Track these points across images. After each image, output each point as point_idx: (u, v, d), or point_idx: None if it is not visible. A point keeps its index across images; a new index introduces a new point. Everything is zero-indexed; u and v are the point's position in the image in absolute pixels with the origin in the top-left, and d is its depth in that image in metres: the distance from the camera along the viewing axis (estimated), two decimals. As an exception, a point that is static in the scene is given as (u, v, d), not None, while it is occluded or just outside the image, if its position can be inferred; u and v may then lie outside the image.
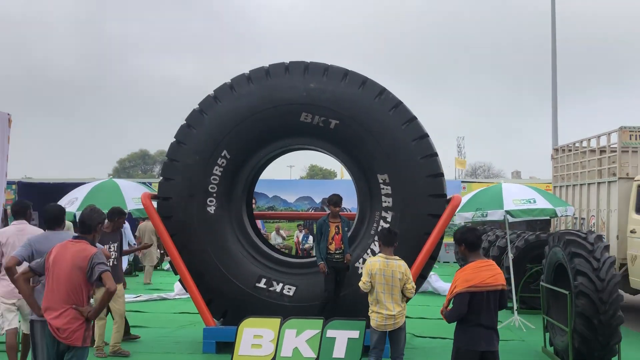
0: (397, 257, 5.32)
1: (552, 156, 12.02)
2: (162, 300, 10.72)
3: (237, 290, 6.85)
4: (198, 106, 7.07)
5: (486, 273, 4.15)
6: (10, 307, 5.65)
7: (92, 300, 4.62)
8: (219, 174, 6.96)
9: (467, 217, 8.24)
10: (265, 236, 20.83)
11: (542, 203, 8.00)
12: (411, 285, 5.28)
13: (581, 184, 10.33)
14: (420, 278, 6.86)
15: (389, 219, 6.81)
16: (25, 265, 4.53)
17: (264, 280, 6.89)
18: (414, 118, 6.90)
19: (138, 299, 10.63)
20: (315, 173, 56.20)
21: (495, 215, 8.03)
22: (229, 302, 6.90)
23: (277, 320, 5.91)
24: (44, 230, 5.04)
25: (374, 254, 6.78)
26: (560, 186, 11.41)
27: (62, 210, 5.04)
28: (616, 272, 6.23)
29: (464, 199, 8.58)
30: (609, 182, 9.14)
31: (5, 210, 8.01)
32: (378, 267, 5.21)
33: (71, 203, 8.48)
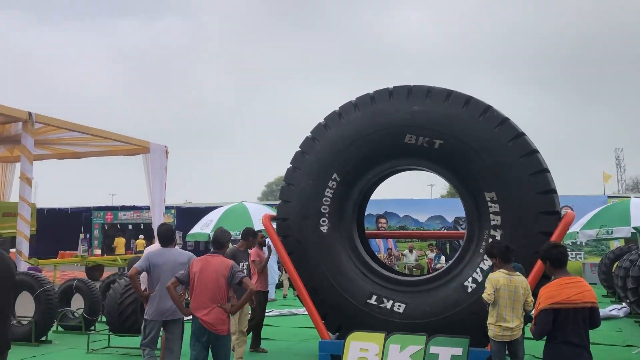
0: (518, 273, 5.52)
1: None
2: (292, 315, 11.37)
3: (349, 305, 7.18)
4: (310, 134, 7.62)
5: (572, 290, 4.08)
6: None
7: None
8: (330, 195, 7.41)
9: (590, 235, 7.87)
10: (397, 256, 21.04)
11: (676, 219, 7.39)
12: (531, 299, 5.49)
13: None
14: (535, 297, 6.68)
15: (497, 238, 6.75)
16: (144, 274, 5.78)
17: (374, 297, 7.15)
18: (522, 134, 6.81)
19: (270, 314, 11.37)
20: (456, 192, 54.96)
21: (621, 232, 7.59)
22: (342, 317, 7.25)
23: (382, 335, 6.14)
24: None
25: (483, 272, 6.77)
26: None
27: (172, 230, 6.04)
28: None
29: (588, 216, 8.18)
30: None
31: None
32: (502, 282, 5.39)
33: (207, 225, 9.46)
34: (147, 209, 28.79)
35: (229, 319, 5.32)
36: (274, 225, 7.75)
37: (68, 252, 29.77)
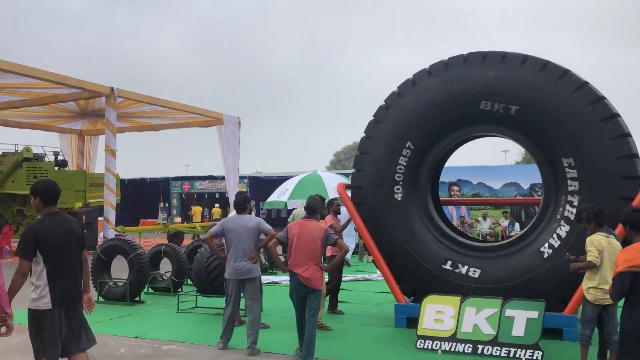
0: (613, 236, 5.51)
1: None
2: (366, 280, 11.67)
3: (424, 271, 7.36)
4: (384, 102, 7.74)
5: None
6: None
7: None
8: (404, 163, 7.53)
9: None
10: (470, 223, 20.86)
11: None
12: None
13: None
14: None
15: (575, 203, 6.70)
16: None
17: (449, 263, 7.29)
18: (601, 98, 6.66)
19: (345, 279, 11.73)
20: (531, 158, 53.34)
21: None
22: (417, 282, 7.44)
23: (458, 298, 6.31)
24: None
25: (559, 238, 6.75)
26: None
27: (246, 198, 6.66)
28: None
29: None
30: None
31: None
32: (604, 244, 5.36)
33: (283, 193, 9.83)
34: (222, 178, 29.86)
35: (323, 275, 5.96)
36: (349, 193, 7.98)
37: (149, 220, 31.51)
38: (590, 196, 6.59)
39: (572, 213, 6.71)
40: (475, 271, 7.14)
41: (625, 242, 4.86)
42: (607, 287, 5.12)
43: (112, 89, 19.30)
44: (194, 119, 25.94)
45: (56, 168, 21.56)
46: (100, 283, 9.21)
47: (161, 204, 34.91)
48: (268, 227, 6.54)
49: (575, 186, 6.72)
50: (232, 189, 24.41)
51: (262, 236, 6.60)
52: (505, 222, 18.79)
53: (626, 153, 6.50)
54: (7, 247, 17.77)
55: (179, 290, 9.85)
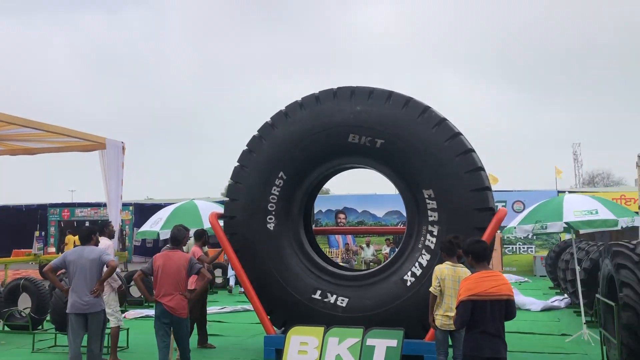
0: (462, 265, 5.84)
1: (637, 164, 11.46)
2: (245, 311, 11.50)
3: (295, 301, 7.37)
4: (257, 132, 7.77)
5: (489, 283, 4.34)
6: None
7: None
8: (277, 193, 7.57)
9: (527, 230, 8.22)
10: (355, 250, 21.35)
11: (605, 214, 7.80)
12: None
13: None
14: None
15: (435, 233, 7.04)
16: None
17: (319, 292, 7.36)
18: (458, 134, 7.11)
19: (223, 310, 11.50)
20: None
21: (554, 227, 7.95)
22: (287, 313, 7.43)
23: (321, 329, 6.36)
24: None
25: (421, 267, 7.05)
26: (646, 195, 10.86)
27: (92, 229, 6.66)
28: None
29: (526, 212, 8.55)
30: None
31: (122, 230, 9.53)
32: (447, 273, 5.77)
33: (156, 223, 9.49)
34: (105, 205, 28.48)
35: (188, 304, 6.20)
36: (222, 223, 7.87)
37: (23, 250, 29.21)
38: (448, 226, 6.96)
39: (432, 242, 7.05)
40: (343, 300, 7.26)
41: None
42: (452, 313, 5.42)
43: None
44: (73, 143, 24.51)
45: None
46: (5, 313, 8.37)
47: (37, 233, 32.56)
48: (109, 258, 6.39)
49: (435, 217, 7.07)
50: (114, 217, 23.27)
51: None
52: (387, 249, 19.41)
53: (479, 186, 6.96)
54: None
55: (39, 327, 9.14)
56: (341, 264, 20.98)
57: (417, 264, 7.11)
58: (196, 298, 6.85)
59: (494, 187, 23.95)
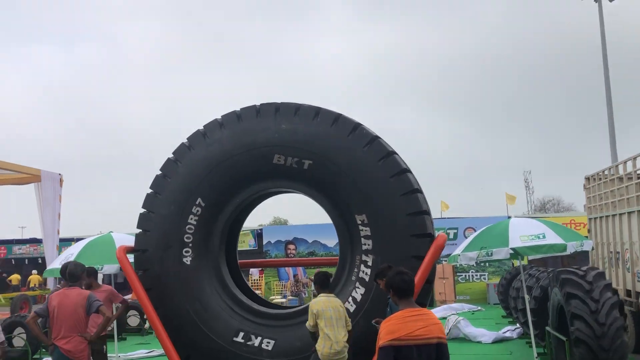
0: (334, 295, 5.82)
1: (584, 186, 11.10)
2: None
3: (214, 346, 6.49)
4: (172, 155, 6.95)
5: (415, 324, 3.61)
6: None
7: None
8: (194, 223, 6.74)
9: (471, 257, 7.59)
10: (306, 282, 20.44)
11: (553, 238, 7.23)
12: (349, 319, 5.76)
13: (613, 215, 9.40)
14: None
15: (369, 263, 6.32)
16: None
17: (242, 334, 6.51)
18: (391, 153, 6.47)
19: (150, 354, 10.46)
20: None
21: (500, 254, 7.34)
22: (206, 358, 6.55)
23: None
24: None
25: (355, 302, 6.30)
26: (594, 218, 10.47)
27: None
28: (618, 315, 5.41)
29: (470, 238, 7.95)
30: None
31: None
32: (321, 306, 5.54)
33: (67, 259, 8.48)
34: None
35: (88, 346, 5.80)
36: (131, 258, 6.96)
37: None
38: (383, 255, 6.26)
39: (367, 274, 6.32)
40: (269, 342, 6.43)
41: None
42: (339, 347, 5.44)
43: None
44: (8, 176, 23.13)
45: None
46: None
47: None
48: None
49: (369, 245, 6.36)
50: (50, 253, 21.84)
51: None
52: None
53: (416, 209, 6.30)
54: None
55: None
56: (290, 297, 20.13)
57: (350, 299, 6.34)
58: (95, 339, 5.97)
59: (444, 214, 23.46)
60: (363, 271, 6.35)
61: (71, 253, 8.61)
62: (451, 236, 21.30)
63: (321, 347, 5.48)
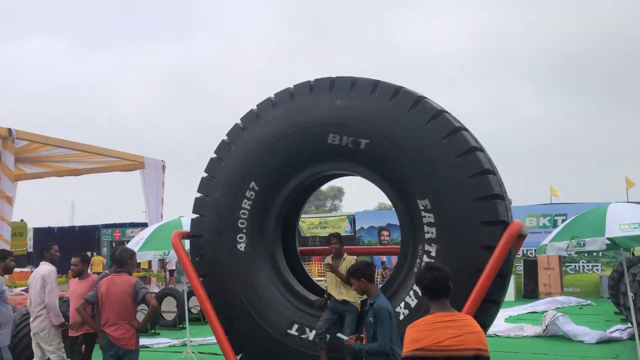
0: None
1: None
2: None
3: (267, 337, 6.14)
4: (226, 137, 6.64)
5: (446, 332, 2.96)
6: None
7: None
8: (248, 207, 6.39)
9: (560, 248, 6.62)
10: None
11: (662, 227, 6.09)
12: None
13: None
14: (477, 326, 5.49)
15: (432, 254, 5.63)
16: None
17: (296, 327, 6.09)
18: (458, 129, 5.68)
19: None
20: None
21: (594, 244, 6.31)
22: (259, 350, 6.22)
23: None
24: None
25: (417, 296, 5.65)
26: None
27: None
28: None
29: (560, 227, 6.96)
30: None
31: None
32: None
33: (137, 244, 8.53)
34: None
35: (136, 334, 5.71)
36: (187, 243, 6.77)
37: (77, 270, 29.34)
38: (448, 245, 5.55)
39: (430, 265, 5.62)
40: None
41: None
42: None
43: (9, 130, 17.82)
44: (115, 163, 24.52)
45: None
46: None
47: (89, 254, 32.80)
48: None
49: (432, 233, 5.66)
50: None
51: None
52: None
53: (486, 193, 5.49)
54: None
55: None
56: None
57: (412, 293, 5.71)
58: (142, 327, 5.92)
59: (555, 200, 21.51)
60: (425, 262, 5.66)
61: (141, 237, 8.65)
62: (559, 223, 19.62)
63: None
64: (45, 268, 6.50)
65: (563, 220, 19.97)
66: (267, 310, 6.22)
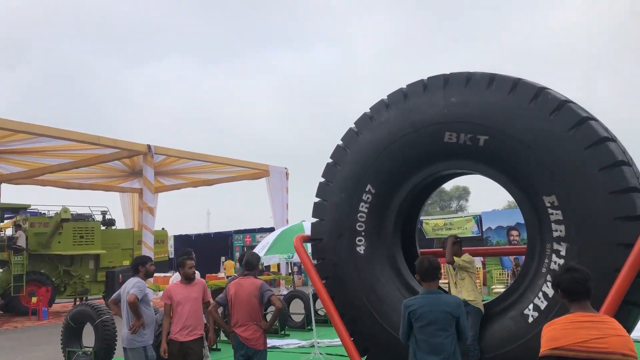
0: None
1: None
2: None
3: (391, 339, 6.11)
4: (341, 141, 6.74)
5: (588, 332, 2.77)
6: None
7: None
8: (366, 210, 6.44)
9: None
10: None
11: None
12: None
13: None
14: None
15: (562, 253, 5.29)
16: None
17: (418, 329, 6.00)
18: (586, 119, 5.29)
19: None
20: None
21: None
22: (384, 352, 6.21)
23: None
24: None
25: (546, 297, 5.34)
26: None
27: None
28: None
29: None
30: None
31: None
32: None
33: (264, 248, 8.90)
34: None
35: (264, 334, 5.97)
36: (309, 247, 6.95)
37: (213, 274, 31.40)
38: (580, 243, 5.19)
39: (559, 265, 5.30)
40: (448, 340, 5.79)
41: None
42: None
43: (149, 146, 19.44)
44: (242, 172, 25.86)
45: (103, 227, 21.82)
46: (68, 352, 8.58)
47: (223, 258, 34.80)
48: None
49: (561, 231, 5.32)
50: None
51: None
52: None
53: (621, 186, 5.06)
54: (45, 308, 17.86)
55: None
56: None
57: (540, 294, 5.40)
58: (269, 328, 6.17)
59: None
60: (555, 262, 5.34)
61: (267, 242, 9.01)
62: None
63: None
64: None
65: None
66: (390, 312, 6.19)
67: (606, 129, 5.41)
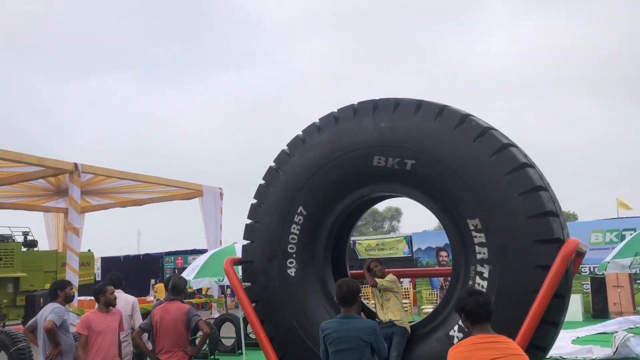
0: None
1: None
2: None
3: (321, 362, 6.09)
4: (274, 163, 6.74)
5: (488, 352, 2.88)
6: None
7: None
8: (297, 232, 6.44)
9: (624, 265, 6.30)
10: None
11: None
12: None
13: None
14: (536, 350, 5.28)
15: (485, 274, 5.47)
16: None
17: (348, 351, 6.02)
18: (507, 145, 5.54)
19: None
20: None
21: (661, 260, 5.97)
22: (313, 376, 6.17)
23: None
24: None
25: (470, 318, 5.49)
26: None
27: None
28: None
29: (622, 243, 6.64)
30: None
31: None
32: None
33: (193, 271, 8.72)
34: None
35: None
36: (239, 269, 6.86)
37: (141, 298, 30.34)
38: (502, 265, 5.38)
39: (483, 287, 5.47)
40: (376, 362, 5.84)
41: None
42: None
43: (75, 164, 18.69)
44: (174, 192, 25.28)
45: (24, 249, 20.69)
46: None
47: (152, 281, 33.79)
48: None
49: (484, 253, 5.51)
50: (214, 263, 23.34)
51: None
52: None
53: (539, 211, 5.31)
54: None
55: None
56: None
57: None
58: (196, 354, 6.03)
59: (623, 214, 20.64)
60: (479, 284, 5.51)
61: (197, 264, 8.83)
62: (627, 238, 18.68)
63: None
64: (131, 297, 6.74)
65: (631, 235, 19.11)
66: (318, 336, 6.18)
67: (525, 156, 5.68)
